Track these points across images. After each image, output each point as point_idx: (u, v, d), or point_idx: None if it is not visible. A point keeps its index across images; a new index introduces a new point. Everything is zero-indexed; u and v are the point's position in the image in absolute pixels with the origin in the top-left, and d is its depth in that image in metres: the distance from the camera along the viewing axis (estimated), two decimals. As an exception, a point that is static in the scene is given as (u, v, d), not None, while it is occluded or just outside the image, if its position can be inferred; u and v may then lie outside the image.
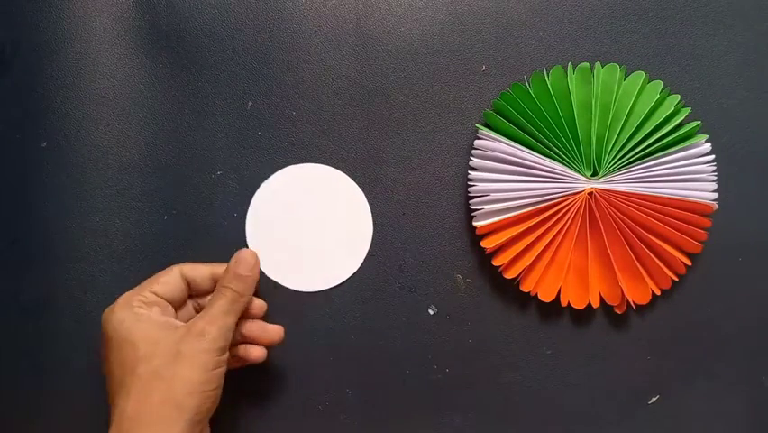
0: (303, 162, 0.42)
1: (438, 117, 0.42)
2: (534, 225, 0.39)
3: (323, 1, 0.42)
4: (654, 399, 0.42)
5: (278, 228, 0.41)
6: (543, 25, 0.42)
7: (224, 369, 0.34)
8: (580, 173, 0.40)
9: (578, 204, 0.39)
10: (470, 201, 0.41)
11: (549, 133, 0.39)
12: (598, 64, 0.41)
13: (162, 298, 0.36)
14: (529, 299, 0.41)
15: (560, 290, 0.41)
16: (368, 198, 0.42)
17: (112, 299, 0.35)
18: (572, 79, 0.40)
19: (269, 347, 0.38)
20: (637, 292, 0.41)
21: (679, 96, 0.40)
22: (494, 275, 0.41)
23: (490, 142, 0.40)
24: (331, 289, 0.41)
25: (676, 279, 0.41)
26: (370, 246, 0.42)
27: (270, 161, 0.42)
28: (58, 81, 0.41)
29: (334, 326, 0.41)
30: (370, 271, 0.42)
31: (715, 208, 0.40)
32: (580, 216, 0.40)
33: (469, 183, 0.41)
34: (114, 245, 0.41)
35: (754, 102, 0.42)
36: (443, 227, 0.42)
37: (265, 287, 0.41)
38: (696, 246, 0.40)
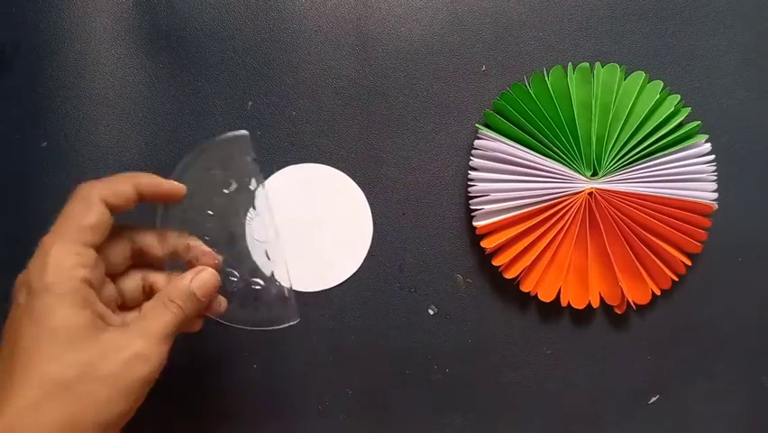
0: (303, 162, 0.42)
1: (438, 117, 0.42)
2: (534, 225, 0.39)
3: (323, 1, 0.42)
4: (654, 399, 0.42)
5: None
6: (543, 25, 0.42)
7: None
8: (580, 173, 0.40)
9: (578, 204, 0.39)
10: (470, 201, 0.41)
11: (549, 133, 0.39)
12: (598, 64, 0.41)
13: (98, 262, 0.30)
14: (529, 299, 0.41)
15: (560, 290, 0.41)
16: (368, 198, 0.42)
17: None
18: (572, 79, 0.40)
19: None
20: (637, 292, 0.41)
21: (679, 96, 0.40)
22: (494, 275, 0.41)
23: (490, 142, 0.40)
24: (331, 289, 0.41)
25: (676, 279, 0.41)
26: (370, 246, 0.42)
27: (270, 161, 0.42)
28: (58, 81, 0.41)
29: (334, 326, 0.41)
30: (370, 271, 0.42)
31: (715, 208, 0.40)
32: (580, 216, 0.40)
33: (469, 183, 0.41)
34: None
35: (754, 102, 0.42)
36: (443, 227, 0.42)
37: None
38: (696, 246, 0.40)
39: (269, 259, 0.37)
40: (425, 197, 0.42)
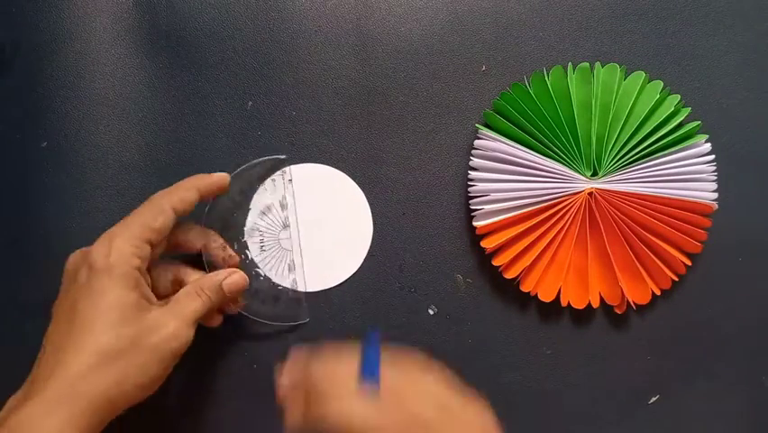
0: (303, 162, 0.42)
1: (438, 117, 0.42)
2: (534, 225, 0.39)
3: (323, 1, 0.42)
4: (654, 399, 0.42)
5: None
6: (543, 25, 0.42)
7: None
8: (580, 173, 0.40)
9: (578, 204, 0.39)
10: (470, 201, 0.41)
11: (549, 133, 0.39)
12: (598, 64, 0.41)
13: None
14: (529, 299, 0.41)
15: (560, 290, 0.41)
16: (368, 198, 0.42)
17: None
18: (572, 79, 0.40)
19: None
20: (637, 292, 0.41)
21: (679, 96, 0.40)
22: (494, 275, 0.41)
23: (490, 142, 0.40)
24: (331, 289, 0.41)
25: (676, 279, 0.41)
26: (370, 246, 0.42)
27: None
28: (58, 81, 0.41)
29: (334, 326, 0.41)
30: (370, 271, 0.42)
31: (715, 208, 0.40)
32: (580, 216, 0.40)
33: (469, 183, 0.41)
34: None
35: (754, 102, 0.42)
36: (443, 227, 0.42)
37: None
38: (696, 246, 0.40)
39: (291, 266, 0.41)
40: (425, 197, 0.42)
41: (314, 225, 0.41)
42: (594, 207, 0.40)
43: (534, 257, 0.40)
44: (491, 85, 0.42)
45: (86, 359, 0.31)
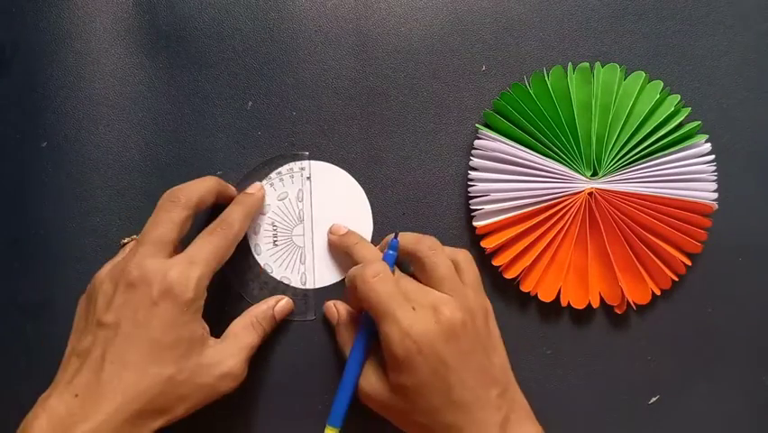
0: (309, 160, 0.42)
1: (438, 117, 0.42)
2: (534, 225, 0.39)
3: (323, 1, 0.42)
4: (654, 399, 0.42)
5: (282, 226, 0.41)
6: (543, 25, 0.42)
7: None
8: (580, 173, 0.40)
9: (578, 204, 0.39)
10: (470, 201, 0.41)
11: (549, 133, 0.39)
12: (598, 64, 0.41)
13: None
14: (529, 299, 0.41)
15: (560, 290, 0.41)
16: (368, 197, 0.42)
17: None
18: (572, 79, 0.40)
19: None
20: (637, 292, 0.41)
21: (679, 96, 0.40)
22: (494, 275, 0.41)
23: (490, 142, 0.40)
24: (330, 287, 0.41)
25: (676, 279, 0.41)
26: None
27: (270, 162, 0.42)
28: (58, 81, 0.41)
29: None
30: (370, 271, 0.41)
31: (715, 208, 0.40)
32: (580, 216, 0.40)
33: (469, 183, 0.41)
34: (114, 245, 0.41)
35: (754, 102, 0.42)
36: (443, 227, 0.42)
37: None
38: (696, 246, 0.40)
39: (302, 262, 0.41)
40: (425, 197, 0.42)
41: (320, 223, 0.41)
42: (594, 207, 0.40)
43: (534, 257, 0.40)
44: (491, 85, 0.42)
45: (148, 386, 0.31)
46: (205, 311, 0.35)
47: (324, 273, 0.41)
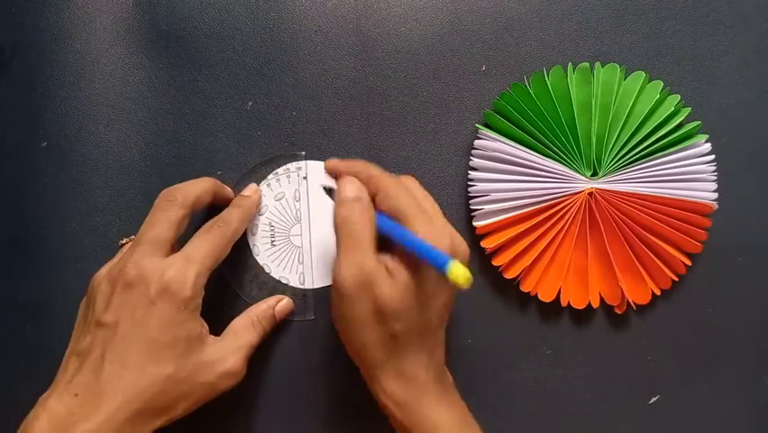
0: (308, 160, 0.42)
1: (438, 117, 0.42)
2: (534, 225, 0.39)
3: (323, 1, 0.42)
4: (654, 399, 0.42)
5: (279, 226, 0.41)
6: (543, 25, 0.42)
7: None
8: (580, 173, 0.40)
9: (578, 204, 0.39)
10: (470, 201, 0.41)
11: (549, 133, 0.39)
12: (598, 64, 0.41)
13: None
14: (529, 299, 0.41)
15: (560, 290, 0.41)
16: (368, 197, 0.42)
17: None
18: (572, 79, 0.40)
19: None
20: (637, 292, 0.41)
21: (679, 96, 0.40)
22: (494, 275, 0.41)
23: (490, 142, 0.40)
24: (330, 287, 0.41)
25: (676, 279, 0.41)
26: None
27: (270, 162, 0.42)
28: (58, 81, 0.41)
29: (333, 325, 0.41)
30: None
31: (715, 208, 0.40)
32: (580, 216, 0.40)
33: (469, 183, 0.41)
34: (114, 245, 0.41)
35: (754, 102, 0.42)
36: (443, 227, 0.42)
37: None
38: (696, 246, 0.40)
39: (300, 262, 0.41)
40: (425, 197, 0.42)
41: (319, 223, 0.41)
42: (594, 207, 0.40)
43: (534, 257, 0.40)
44: (491, 85, 0.42)
45: (147, 386, 0.31)
46: (204, 312, 0.35)
47: (322, 273, 0.41)
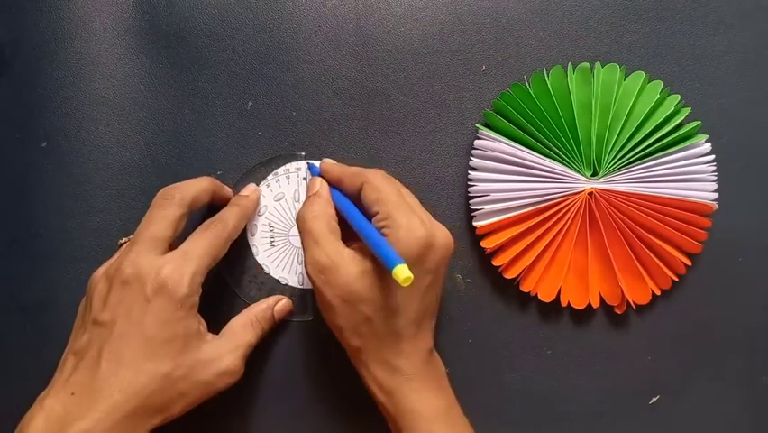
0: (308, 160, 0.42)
1: (438, 117, 0.42)
2: (534, 225, 0.39)
3: (323, 1, 0.42)
4: (654, 399, 0.42)
5: (278, 227, 0.41)
6: (543, 25, 0.42)
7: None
8: (580, 173, 0.40)
9: (578, 204, 0.39)
10: (470, 201, 0.41)
11: (549, 133, 0.39)
12: (598, 64, 0.41)
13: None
14: (529, 299, 0.41)
15: (560, 290, 0.41)
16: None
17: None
18: (572, 79, 0.40)
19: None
20: (637, 292, 0.41)
21: (679, 96, 0.40)
22: (494, 275, 0.41)
23: (490, 142, 0.40)
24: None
25: (676, 279, 0.41)
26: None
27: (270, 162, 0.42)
28: (58, 81, 0.41)
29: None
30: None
31: (715, 208, 0.40)
32: (580, 216, 0.40)
33: (469, 183, 0.41)
34: (114, 245, 0.41)
35: (753, 102, 0.42)
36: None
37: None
38: (696, 246, 0.40)
39: (299, 263, 0.41)
40: (425, 197, 0.42)
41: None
42: (594, 207, 0.40)
43: (534, 257, 0.40)
44: (491, 85, 0.42)
45: (145, 384, 0.31)
46: (202, 312, 0.35)
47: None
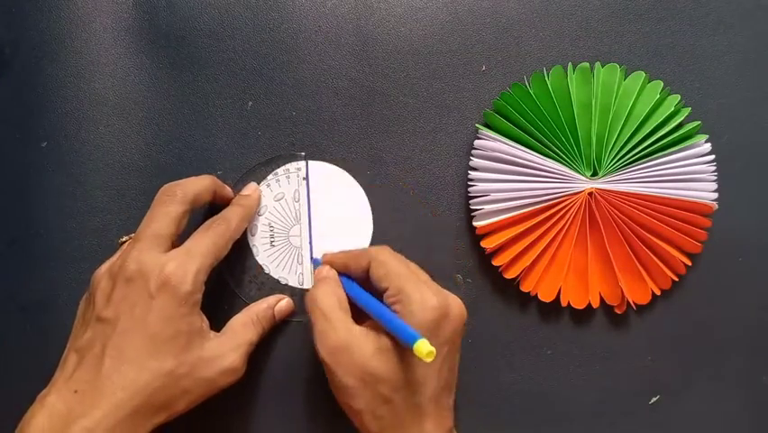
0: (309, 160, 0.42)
1: (438, 117, 0.42)
2: (534, 225, 0.39)
3: (323, 1, 0.42)
4: (654, 399, 0.42)
5: (278, 227, 0.41)
6: (543, 25, 0.42)
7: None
8: (580, 173, 0.40)
9: (578, 204, 0.39)
10: (470, 201, 0.41)
11: (549, 133, 0.39)
12: (598, 64, 0.41)
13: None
14: (529, 299, 0.41)
15: (560, 290, 0.41)
16: (368, 197, 0.42)
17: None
18: (572, 79, 0.40)
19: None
20: (637, 292, 0.41)
21: (679, 96, 0.40)
22: (494, 275, 0.41)
23: (490, 142, 0.40)
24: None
25: (676, 279, 0.41)
26: (370, 246, 0.42)
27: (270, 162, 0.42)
28: (58, 81, 0.41)
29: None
30: (370, 271, 0.41)
31: (715, 208, 0.40)
32: (580, 216, 0.40)
33: (469, 183, 0.41)
34: (114, 245, 0.41)
35: (753, 102, 0.42)
36: (443, 227, 0.42)
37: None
38: (696, 246, 0.40)
39: (299, 263, 0.41)
40: (426, 197, 0.42)
41: (319, 223, 0.41)
42: (594, 207, 0.40)
43: (534, 257, 0.40)
44: (491, 85, 0.42)
45: (148, 381, 0.31)
46: (203, 311, 0.35)
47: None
